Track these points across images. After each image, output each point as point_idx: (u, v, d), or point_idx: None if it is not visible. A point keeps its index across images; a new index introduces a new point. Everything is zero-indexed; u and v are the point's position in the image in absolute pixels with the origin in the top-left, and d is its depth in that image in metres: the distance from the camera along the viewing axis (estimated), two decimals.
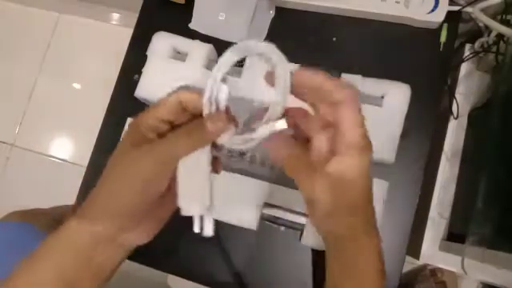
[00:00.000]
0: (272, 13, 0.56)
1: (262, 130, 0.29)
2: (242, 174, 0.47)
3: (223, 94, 0.29)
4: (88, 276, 0.29)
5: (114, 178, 0.29)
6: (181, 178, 0.30)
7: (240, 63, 0.50)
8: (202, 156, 0.30)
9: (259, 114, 0.29)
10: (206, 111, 0.29)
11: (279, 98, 0.28)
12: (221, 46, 0.54)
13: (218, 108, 0.29)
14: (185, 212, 0.31)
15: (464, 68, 0.59)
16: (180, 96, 0.29)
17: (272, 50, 0.28)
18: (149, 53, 0.52)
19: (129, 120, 0.52)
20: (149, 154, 0.28)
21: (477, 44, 0.56)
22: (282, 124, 0.28)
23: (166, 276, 0.98)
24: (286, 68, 0.28)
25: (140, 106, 0.53)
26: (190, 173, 0.30)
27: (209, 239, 0.50)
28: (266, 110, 0.29)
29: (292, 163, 0.31)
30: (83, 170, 0.54)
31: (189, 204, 0.31)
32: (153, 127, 0.29)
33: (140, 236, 0.31)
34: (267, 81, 0.29)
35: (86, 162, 0.54)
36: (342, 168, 0.28)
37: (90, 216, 0.29)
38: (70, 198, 0.55)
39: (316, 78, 0.28)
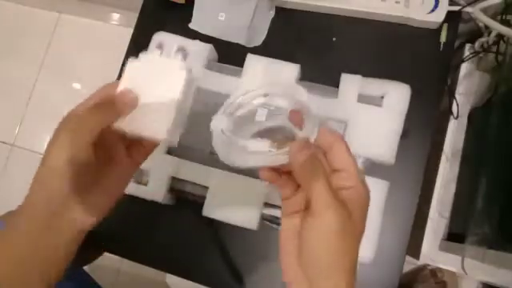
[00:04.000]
0: (272, 13, 0.56)
1: (266, 157, 0.28)
2: (241, 174, 0.47)
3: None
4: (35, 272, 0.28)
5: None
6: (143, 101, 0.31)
7: (240, 64, 0.50)
8: (175, 84, 0.31)
9: (262, 132, 0.30)
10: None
11: (307, 134, 0.27)
12: (221, 46, 0.54)
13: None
14: (135, 130, 0.31)
15: (464, 68, 0.59)
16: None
17: (302, 92, 0.29)
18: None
19: None
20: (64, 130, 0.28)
21: (477, 44, 0.56)
22: (284, 159, 0.27)
23: (165, 275, 0.98)
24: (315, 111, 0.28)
25: None
26: (154, 97, 0.31)
27: (209, 239, 0.50)
28: (269, 131, 0.31)
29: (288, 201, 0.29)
30: None
31: (145, 124, 0.31)
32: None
33: (88, 213, 0.30)
34: (292, 119, 0.29)
35: None
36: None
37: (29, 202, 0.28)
38: None
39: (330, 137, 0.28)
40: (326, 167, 0.28)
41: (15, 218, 0.28)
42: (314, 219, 0.26)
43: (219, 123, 0.30)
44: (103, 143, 0.30)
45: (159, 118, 0.31)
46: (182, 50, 0.33)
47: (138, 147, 0.33)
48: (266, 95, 0.31)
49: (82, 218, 0.29)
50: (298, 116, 0.29)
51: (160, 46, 0.32)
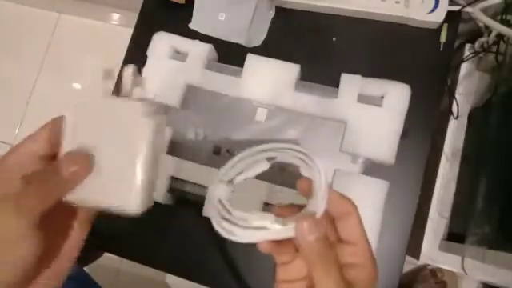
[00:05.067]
0: (272, 13, 0.56)
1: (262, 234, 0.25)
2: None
3: None
4: None
5: None
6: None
7: (240, 64, 0.50)
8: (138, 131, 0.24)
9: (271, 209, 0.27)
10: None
11: (316, 207, 0.25)
12: (221, 46, 0.54)
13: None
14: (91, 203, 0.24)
15: (464, 68, 0.59)
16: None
17: (311, 157, 0.26)
18: (149, 53, 0.52)
19: None
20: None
21: (477, 44, 0.56)
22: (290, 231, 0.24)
23: (165, 275, 0.98)
24: (326, 179, 0.25)
25: None
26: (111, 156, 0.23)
27: (209, 239, 0.50)
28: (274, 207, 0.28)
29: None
30: None
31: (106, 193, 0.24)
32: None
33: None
34: (300, 188, 0.27)
35: None
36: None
37: None
38: None
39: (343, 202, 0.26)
40: (332, 238, 0.26)
41: None
42: None
43: (218, 192, 0.28)
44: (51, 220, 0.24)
45: (123, 184, 0.24)
46: (140, 81, 0.25)
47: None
48: (270, 159, 0.29)
49: None
50: (306, 185, 0.26)
51: (109, 74, 0.26)
